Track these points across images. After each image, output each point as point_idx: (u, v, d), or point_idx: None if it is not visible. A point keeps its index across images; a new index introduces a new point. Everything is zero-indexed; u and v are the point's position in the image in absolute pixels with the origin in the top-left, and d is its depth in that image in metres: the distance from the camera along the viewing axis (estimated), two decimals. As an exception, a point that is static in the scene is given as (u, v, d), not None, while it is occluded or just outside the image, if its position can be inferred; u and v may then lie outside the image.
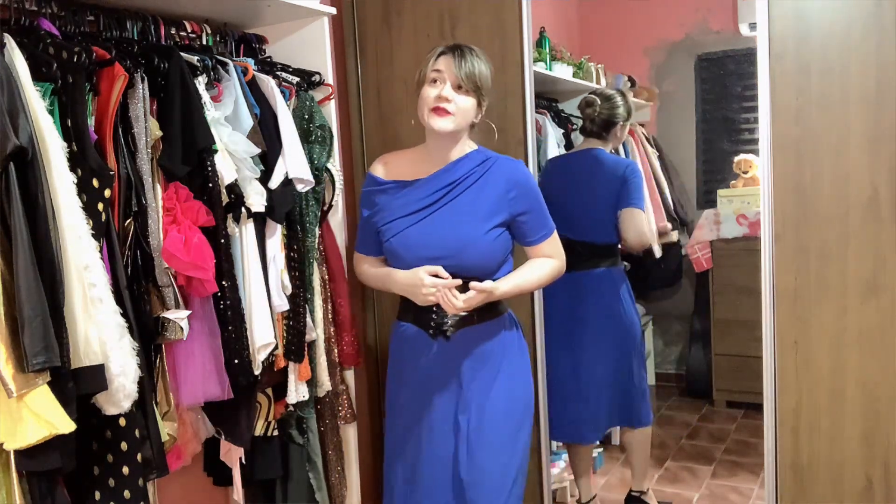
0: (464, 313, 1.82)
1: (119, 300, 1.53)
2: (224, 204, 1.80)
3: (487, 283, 1.75)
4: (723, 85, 4.19)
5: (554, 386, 2.56)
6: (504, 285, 1.81)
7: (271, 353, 1.94)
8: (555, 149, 3.06)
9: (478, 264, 1.80)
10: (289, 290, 2.00)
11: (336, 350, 2.24)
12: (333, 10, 2.29)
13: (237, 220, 1.85)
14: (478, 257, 1.80)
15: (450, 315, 1.82)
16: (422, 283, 1.76)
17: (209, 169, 1.75)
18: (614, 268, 2.76)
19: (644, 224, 2.67)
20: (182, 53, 1.77)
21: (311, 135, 2.13)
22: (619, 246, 2.77)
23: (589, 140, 2.80)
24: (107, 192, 1.53)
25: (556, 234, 1.93)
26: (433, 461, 1.89)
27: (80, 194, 1.48)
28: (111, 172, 1.55)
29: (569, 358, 2.71)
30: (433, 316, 1.84)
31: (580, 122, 2.86)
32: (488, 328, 1.87)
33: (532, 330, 2.47)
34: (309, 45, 2.26)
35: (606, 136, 2.76)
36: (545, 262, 1.91)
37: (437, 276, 1.77)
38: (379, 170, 1.93)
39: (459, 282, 1.75)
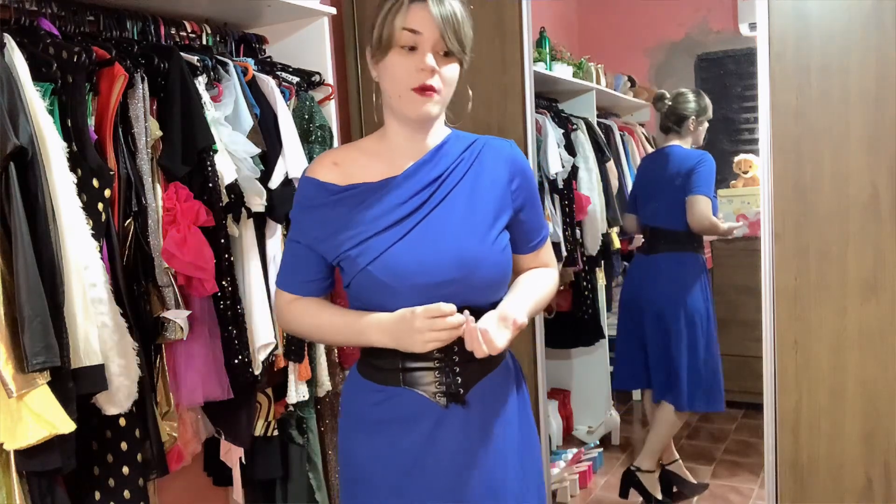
0: (471, 358, 1.27)
1: (119, 300, 1.53)
2: (224, 204, 1.80)
3: (511, 312, 1.26)
4: (723, 85, 4.18)
5: (621, 347, 3.05)
6: (522, 309, 1.29)
7: (271, 353, 1.93)
8: (555, 149, 3.05)
9: (492, 285, 1.33)
10: (289, 290, 2.00)
11: (336, 350, 2.24)
12: (333, 10, 2.29)
13: (237, 220, 1.85)
14: (492, 276, 1.32)
15: (457, 366, 1.32)
16: (415, 318, 1.23)
17: (209, 169, 1.75)
18: (689, 254, 2.93)
19: (708, 210, 2.82)
20: (182, 53, 1.77)
21: (311, 135, 2.13)
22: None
23: (668, 137, 3.02)
24: (107, 192, 1.53)
25: (549, 238, 1.53)
26: None
27: (80, 194, 1.48)
28: (111, 172, 1.56)
29: (638, 331, 2.99)
30: (435, 373, 1.32)
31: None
32: (498, 375, 1.39)
33: (532, 331, 2.47)
34: (309, 45, 2.26)
35: (680, 130, 2.96)
36: (546, 274, 1.47)
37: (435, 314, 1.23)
38: (326, 173, 1.35)
39: (462, 318, 1.23)
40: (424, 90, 1.26)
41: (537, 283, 1.42)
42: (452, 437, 1.33)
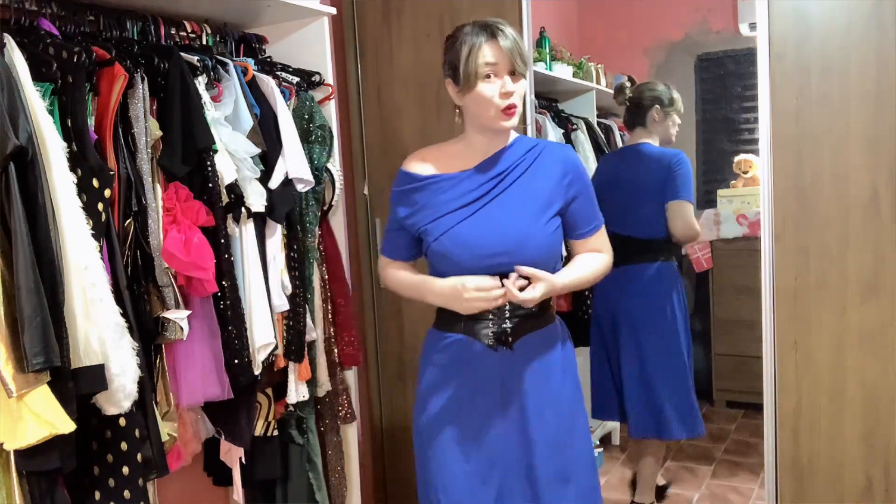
0: (523, 312, 1.66)
1: (119, 300, 1.53)
2: (224, 204, 1.80)
3: (541, 274, 1.59)
4: (723, 85, 4.18)
5: (595, 375, 2.73)
6: (562, 278, 1.66)
7: (271, 353, 1.93)
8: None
9: (538, 260, 1.62)
10: (289, 290, 2.00)
11: (336, 350, 2.24)
12: (333, 10, 2.29)
13: (237, 220, 1.85)
14: (538, 252, 1.63)
15: (508, 321, 1.66)
16: (464, 290, 1.58)
17: (209, 169, 1.75)
18: (665, 263, 2.68)
19: (692, 217, 2.61)
20: (182, 53, 1.77)
21: (311, 135, 2.13)
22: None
23: (634, 133, 2.76)
24: (107, 192, 1.53)
25: (604, 228, 1.79)
26: (505, 462, 1.70)
27: (80, 194, 1.48)
28: (111, 172, 1.56)
29: (610, 352, 2.73)
30: (490, 324, 1.66)
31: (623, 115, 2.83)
32: (546, 334, 1.72)
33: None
34: (309, 45, 2.26)
35: (645, 123, 2.70)
36: (597, 256, 1.77)
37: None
38: (415, 166, 1.73)
39: (500, 293, 1.57)
40: (510, 108, 1.60)
41: (585, 262, 1.75)
42: (498, 375, 1.68)
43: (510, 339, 1.67)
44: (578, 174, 1.71)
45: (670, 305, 2.69)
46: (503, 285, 1.57)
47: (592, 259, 1.76)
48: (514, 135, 1.73)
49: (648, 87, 2.72)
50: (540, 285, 1.58)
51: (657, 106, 2.69)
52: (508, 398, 1.68)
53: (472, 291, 1.58)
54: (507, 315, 1.66)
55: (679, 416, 2.66)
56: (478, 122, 1.66)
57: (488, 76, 1.58)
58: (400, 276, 1.78)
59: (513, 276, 1.58)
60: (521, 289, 1.58)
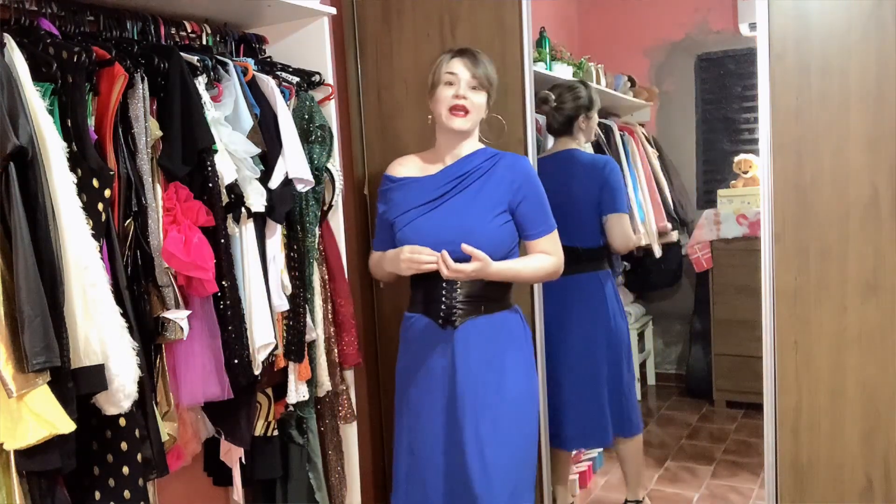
0: (475, 294, 1.90)
1: (119, 300, 1.53)
2: (224, 204, 1.80)
3: (481, 253, 1.80)
4: (723, 85, 4.19)
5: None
6: (498, 264, 1.86)
7: (271, 353, 1.93)
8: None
9: (483, 249, 1.82)
10: (289, 290, 2.01)
11: (336, 350, 2.24)
12: (333, 10, 2.29)
13: (237, 220, 1.85)
14: (482, 241, 1.84)
15: (458, 303, 1.90)
16: (402, 257, 1.86)
17: (209, 169, 1.75)
18: (600, 272, 2.70)
19: (629, 228, 2.64)
20: (182, 53, 1.77)
21: (311, 135, 2.13)
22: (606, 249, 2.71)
23: (560, 140, 2.72)
24: (107, 192, 1.53)
25: (556, 234, 1.99)
26: (434, 447, 1.95)
27: (80, 194, 1.48)
28: (111, 172, 1.55)
29: (556, 364, 2.65)
30: (442, 305, 1.92)
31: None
32: (496, 320, 1.94)
33: (532, 329, 2.47)
34: (309, 45, 2.26)
35: (571, 131, 2.68)
36: (542, 256, 1.97)
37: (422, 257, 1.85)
38: (394, 170, 2.06)
39: (431, 258, 1.82)
40: (458, 109, 1.91)
41: (528, 259, 1.97)
42: (443, 353, 1.93)
43: (455, 320, 1.91)
44: (527, 180, 1.96)
45: (617, 310, 2.71)
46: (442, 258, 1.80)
47: (535, 258, 1.97)
48: (479, 145, 2.01)
49: (573, 96, 2.66)
50: (474, 263, 1.80)
51: (582, 115, 2.68)
52: (445, 379, 1.93)
53: (407, 253, 1.85)
54: (458, 297, 1.91)
55: (616, 419, 2.68)
56: (439, 123, 1.96)
57: (448, 84, 1.91)
58: (374, 257, 2.10)
59: (444, 252, 1.81)
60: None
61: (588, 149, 2.98)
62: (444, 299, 1.92)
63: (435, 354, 1.95)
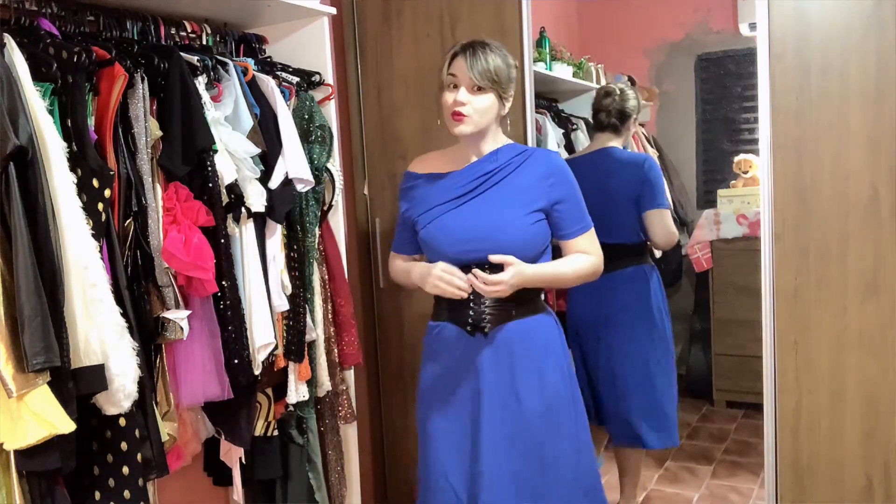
0: (500, 303, 1.76)
1: (119, 300, 1.53)
2: (224, 204, 1.80)
3: (512, 258, 1.69)
4: (723, 85, 4.19)
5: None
6: (533, 267, 1.74)
7: (271, 353, 1.94)
8: (555, 149, 3.06)
9: (511, 249, 1.73)
10: (289, 290, 2.01)
11: (336, 350, 2.24)
12: (333, 10, 2.29)
13: (237, 220, 1.85)
14: (513, 240, 1.74)
15: (487, 311, 1.77)
16: (431, 277, 1.74)
17: (209, 169, 1.75)
18: (644, 266, 2.68)
19: (671, 223, 2.62)
20: (182, 53, 1.77)
21: (311, 135, 2.13)
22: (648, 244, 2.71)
23: (602, 136, 2.75)
24: (107, 192, 1.53)
25: (593, 232, 1.87)
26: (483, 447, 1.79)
27: (80, 194, 1.48)
28: (111, 172, 1.55)
29: (596, 359, 2.69)
30: (470, 312, 1.79)
31: (594, 117, 2.80)
32: (528, 325, 1.81)
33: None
34: (309, 45, 2.26)
35: (621, 129, 2.72)
36: (581, 256, 1.85)
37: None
38: (415, 166, 1.94)
39: (464, 285, 1.71)
40: (457, 115, 1.76)
41: (566, 260, 1.85)
42: (473, 361, 1.80)
43: (485, 326, 1.78)
44: (563, 177, 1.82)
45: (659, 308, 2.69)
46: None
47: (575, 258, 1.85)
48: (505, 140, 1.88)
49: (631, 96, 2.72)
50: (509, 269, 1.69)
51: (636, 115, 2.73)
52: (476, 386, 1.79)
53: (439, 271, 1.73)
54: (486, 302, 1.78)
55: (653, 425, 2.65)
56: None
57: (451, 86, 1.78)
58: (396, 265, 1.98)
59: (476, 271, 1.70)
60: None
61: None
62: (472, 305, 1.78)
63: (466, 362, 1.81)
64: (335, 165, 2.22)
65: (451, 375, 1.84)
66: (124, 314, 1.53)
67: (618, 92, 2.69)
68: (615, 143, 2.73)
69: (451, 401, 1.83)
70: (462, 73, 1.76)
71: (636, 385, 2.65)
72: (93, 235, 1.48)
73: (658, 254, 3.05)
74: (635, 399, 2.65)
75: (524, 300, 1.79)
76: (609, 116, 2.71)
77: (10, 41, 1.45)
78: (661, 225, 2.59)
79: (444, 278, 1.72)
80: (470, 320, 1.79)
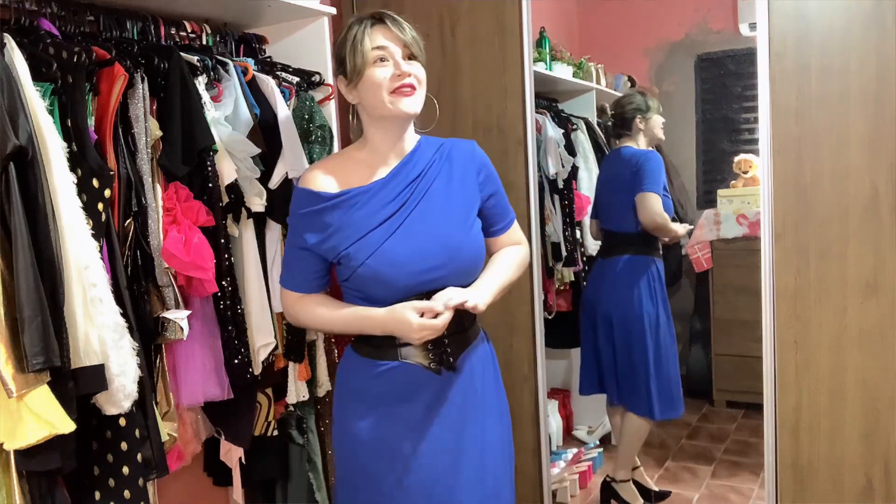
0: (455, 329, 1.54)
1: (119, 300, 1.53)
2: (224, 204, 1.80)
3: (469, 296, 1.48)
4: (723, 85, 4.18)
5: (582, 356, 3.03)
6: (486, 294, 1.53)
7: (271, 353, 1.93)
8: (555, 149, 3.06)
9: (470, 268, 1.56)
10: (289, 290, 2.00)
11: (336, 350, 2.24)
12: (333, 10, 2.29)
13: (237, 220, 1.85)
14: (470, 261, 1.55)
15: (446, 341, 1.54)
16: (411, 323, 1.45)
17: (209, 169, 1.75)
18: (638, 256, 2.88)
19: (655, 206, 2.79)
20: (182, 53, 1.77)
21: (311, 135, 2.13)
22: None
23: (619, 140, 3.06)
24: (107, 192, 1.53)
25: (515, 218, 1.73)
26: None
27: (80, 194, 1.48)
28: (111, 172, 1.55)
29: (597, 338, 2.95)
30: (428, 347, 1.53)
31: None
32: (479, 348, 1.63)
33: (532, 331, 2.47)
34: (309, 45, 2.26)
35: (629, 132, 2.97)
36: (515, 249, 1.68)
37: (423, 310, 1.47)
38: (318, 182, 1.54)
39: (448, 316, 1.47)
40: (405, 88, 1.48)
41: (505, 262, 1.65)
42: (449, 400, 1.55)
43: (451, 359, 1.54)
44: (490, 168, 1.64)
45: (644, 296, 2.87)
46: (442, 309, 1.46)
47: (512, 254, 1.67)
48: (417, 136, 1.62)
49: (627, 101, 2.99)
50: (465, 292, 1.48)
51: (638, 116, 2.95)
52: (459, 424, 1.57)
53: (418, 319, 1.44)
54: (445, 335, 1.52)
55: (655, 397, 2.84)
56: (376, 116, 1.52)
57: (380, 60, 1.48)
58: (319, 313, 1.58)
59: (442, 295, 1.47)
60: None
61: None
62: (428, 341, 1.51)
63: (429, 402, 1.55)
64: (335, 165, 2.22)
65: (416, 421, 1.55)
66: (124, 314, 1.53)
67: (608, 108, 3.12)
68: (629, 143, 2.98)
69: (419, 450, 1.54)
70: (392, 43, 1.48)
71: (638, 361, 2.86)
72: (93, 235, 1.48)
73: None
74: (640, 373, 2.86)
75: (471, 320, 1.60)
76: (615, 127, 3.07)
77: (10, 41, 1.45)
78: (642, 206, 2.79)
79: (429, 326, 1.45)
80: (431, 356, 1.53)
